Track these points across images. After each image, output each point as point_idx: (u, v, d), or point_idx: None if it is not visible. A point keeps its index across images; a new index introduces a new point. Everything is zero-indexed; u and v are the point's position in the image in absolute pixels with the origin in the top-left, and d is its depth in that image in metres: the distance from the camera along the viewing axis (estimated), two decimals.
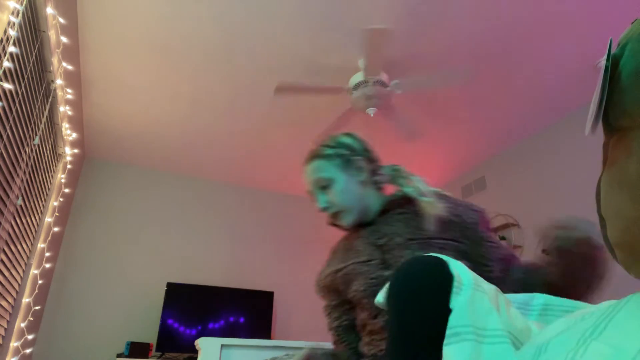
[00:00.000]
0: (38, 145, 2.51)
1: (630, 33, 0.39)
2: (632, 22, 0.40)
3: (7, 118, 1.92)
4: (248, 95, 3.47)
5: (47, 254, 3.11)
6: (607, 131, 0.42)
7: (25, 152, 2.27)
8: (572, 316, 0.45)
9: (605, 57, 0.39)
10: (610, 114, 0.40)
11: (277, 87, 2.98)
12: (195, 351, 3.54)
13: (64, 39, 2.50)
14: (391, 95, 3.01)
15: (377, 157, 1.22)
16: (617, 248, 0.41)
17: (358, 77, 2.97)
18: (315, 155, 1.19)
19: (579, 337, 0.35)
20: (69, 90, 2.95)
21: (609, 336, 0.33)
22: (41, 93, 2.42)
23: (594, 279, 0.95)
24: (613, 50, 0.40)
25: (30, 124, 2.30)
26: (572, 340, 0.35)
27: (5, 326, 2.45)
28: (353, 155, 1.16)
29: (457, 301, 0.56)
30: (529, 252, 3.84)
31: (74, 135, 3.46)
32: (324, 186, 1.14)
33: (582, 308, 0.65)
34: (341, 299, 1.13)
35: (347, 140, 1.20)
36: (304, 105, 3.56)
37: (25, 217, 2.47)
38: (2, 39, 1.73)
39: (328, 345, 1.17)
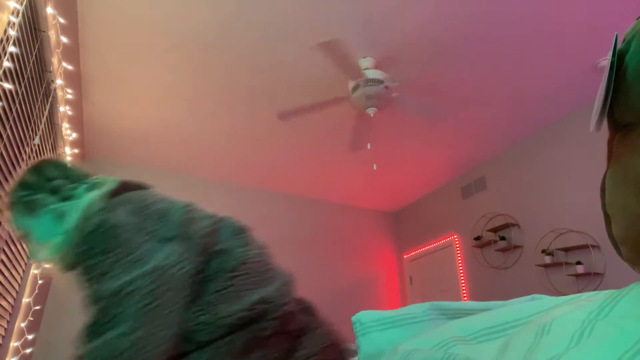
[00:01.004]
0: (38, 145, 2.51)
1: (636, 28, 0.39)
2: (638, 18, 0.40)
3: (7, 118, 1.92)
4: (247, 96, 3.46)
5: None
6: (612, 127, 0.42)
7: (25, 152, 2.26)
8: (576, 298, 0.45)
9: (610, 52, 0.39)
10: (616, 110, 0.40)
11: (280, 115, 3.03)
12: None
13: (64, 39, 2.50)
14: (391, 91, 3.01)
15: (70, 179, 0.98)
16: (622, 245, 0.40)
17: (352, 82, 2.98)
18: (5, 208, 0.99)
19: (585, 318, 0.35)
20: (69, 90, 2.95)
21: (615, 318, 0.33)
22: (41, 93, 2.41)
23: None
24: (619, 46, 0.40)
25: (30, 124, 2.30)
26: (577, 321, 0.35)
27: (5, 326, 2.45)
28: (32, 195, 0.94)
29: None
30: (529, 252, 3.85)
31: (74, 135, 3.45)
32: (26, 238, 0.96)
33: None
34: None
35: (27, 177, 0.98)
36: (303, 104, 3.56)
37: None
38: (2, 39, 1.73)
39: None
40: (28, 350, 2.91)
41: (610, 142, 0.43)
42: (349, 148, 3.55)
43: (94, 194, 0.91)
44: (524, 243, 3.92)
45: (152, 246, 0.76)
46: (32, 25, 2.08)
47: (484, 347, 0.47)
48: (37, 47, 2.20)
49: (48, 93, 2.57)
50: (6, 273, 2.25)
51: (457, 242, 4.76)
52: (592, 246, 3.27)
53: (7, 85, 1.84)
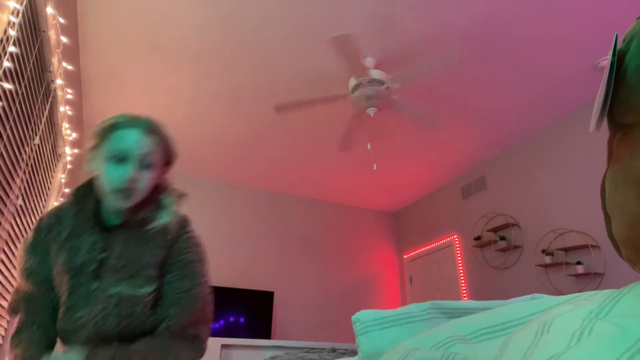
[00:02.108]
0: (38, 145, 2.51)
1: (635, 29, 0.39)
2: (638, 18, 0.40)
3: (7, 118, 1.92)
4: (248, 96, 3.47)
5: None
6: (611, 127, 0.42)
7: (25, 152, 2.26)
8: (576, 298, 0.45)
9: (610, 52, 0.39)
10: (616, 110, 0.40)
11: (277, 107, 3.03)
12: None
13: (64, 39, 2.50)
14: (391, 93, 3.01)
15: None
16: (623, 245, 0.40)
17: (354, 80, 2.97)
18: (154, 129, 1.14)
19: (585, 317, 0.35)
20: (69, 90, 2.95)
21: (615, 317, 0.33)
22: (41, 93, 2.41)
23: None
24: (618, 46, 0.40)
25: (30, 124, 2.30)
26: (577, 320, 0.35)
27: (6, 326, 2.45)
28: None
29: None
30: (529, 252, 3.85)
31: (74, 135, 3.45)
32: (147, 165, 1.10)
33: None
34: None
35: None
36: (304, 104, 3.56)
37: (25, 217, 2.47)
38: (2, 39, 1.73)
39: (327, 345, 1.17)
40: None
41: (610, 142, 0.43)
42: (354, 146, 3.54)
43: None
44: (524, 243, 3.92)
45: None
46: (32, 25, 2.08)
47: (483, 346, 0.47)
48: (37, 47, 2.20)
49: (48, 93, 2.57)
50: (6, 273, 2.25)
51: (457, 242, 4.76)
52: (592, 246, 3.27)
53: (7, 85, 1.84)
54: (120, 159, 1.06)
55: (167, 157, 1.19)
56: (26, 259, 1.10)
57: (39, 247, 1.11)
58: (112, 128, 1.12)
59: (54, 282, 1.09)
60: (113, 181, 1.04)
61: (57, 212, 1.15)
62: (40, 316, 1.09)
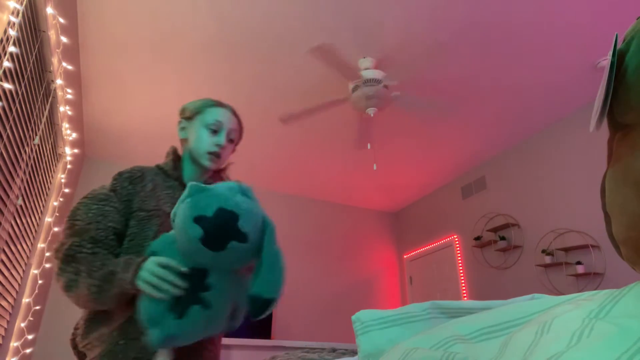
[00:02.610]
0: (38, 145, 2.51)
1: (636, 28, 0.39)
2: (638, 18, 0.40)
3: (7, 118, 1.92)
4: (248, 96, 3.46)
5: (47, 254, 3.11)
6: (612, 127, 0.42)
7: (25, 152, 2.26)
8: (576, 297, 0.45)
9: (610, 52, 0.39)
10: (616, 110, 0.40)
11: (282, 119, 3.08)
12: None
13: (64, 39, 2.50)
14: (391, 90, 3.01)
15: None
16: (623, 245, 0.40)
17: (351, 84, 2.98)
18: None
19: (585, 317, 0.35)
20: (69, 90, 2.95)
21: (616, 317, 0.33)
22: (41, 93, 2.41)
23: None
24: (619, 46, 0.40)
25: (30, 124, 2.30)
26: (578, 320, 0.35)
27: (5, 326, 2.45)
28: None
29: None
30: (529, 252, 3.85)
31: (74, 135, 3.45)
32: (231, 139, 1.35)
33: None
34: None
35: None
36: (304, 104, 3.56)
37: (25, 217, 2.47)
38: (2, 39, 1.73)
39: (327, 345, 1.18)
40: (28, 350, 2.91)
41: (610, 142, 0.43)
42: (354, 146, 3.55)
43: None
44: (524, 243, 3.92)
45: None
46: (32, 25, 2.08)
47: (483, 346, 0.47)
48: (37, 47, 2.20)
49: (48, 93, 2.57)
50: (6, 273, 2.25)
51: (457, 242, 4.76)
52: (592, 246, 3.27)
53: (7, 85, 1.84)
54: (214, 129, 1.29)
55: (239, 140, 1.43)
56: (99, 205, 1.13)
57: (116, 196, 1.17)
58: (207, 105, 1.33)
59: (124, 231, 1.13)
60: (207, 145, 1.26)
61: (140, 169, 1.26)
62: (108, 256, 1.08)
